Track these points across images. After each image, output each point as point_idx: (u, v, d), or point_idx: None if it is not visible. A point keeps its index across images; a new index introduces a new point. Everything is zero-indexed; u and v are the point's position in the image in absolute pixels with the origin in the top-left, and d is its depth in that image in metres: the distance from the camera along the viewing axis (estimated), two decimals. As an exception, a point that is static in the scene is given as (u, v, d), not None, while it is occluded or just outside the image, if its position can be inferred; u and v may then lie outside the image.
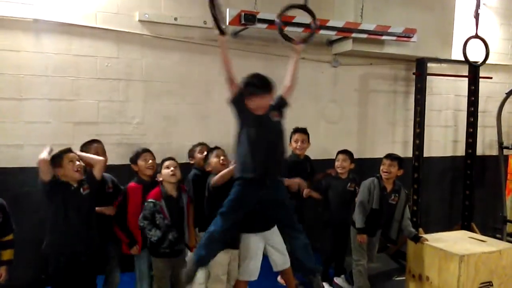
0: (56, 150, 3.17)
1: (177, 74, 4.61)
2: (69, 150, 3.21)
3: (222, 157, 3.52)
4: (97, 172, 3.30)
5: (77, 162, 3.17)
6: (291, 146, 4.38)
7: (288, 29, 3.97)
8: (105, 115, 4.34)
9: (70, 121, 4.21)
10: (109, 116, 4.36)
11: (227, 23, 4.28)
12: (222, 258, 3.41)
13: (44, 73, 4.10)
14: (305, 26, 4.57)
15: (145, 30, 4.44)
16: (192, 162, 4.01)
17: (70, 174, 3.13)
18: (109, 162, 3.77)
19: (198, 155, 3.93)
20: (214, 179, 3.32)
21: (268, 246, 3.54)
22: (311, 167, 4.57)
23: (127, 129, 4.42)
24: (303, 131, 4.44)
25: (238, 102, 2.96)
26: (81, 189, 3.18)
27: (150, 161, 3.62)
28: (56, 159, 3.12)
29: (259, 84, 2.92)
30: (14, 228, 3.23)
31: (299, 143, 4.37)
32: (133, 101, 4.46)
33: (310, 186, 4.42)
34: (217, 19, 2.94)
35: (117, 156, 4.16)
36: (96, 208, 3.41)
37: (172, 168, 3.44)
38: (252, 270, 3.47)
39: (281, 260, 3.56)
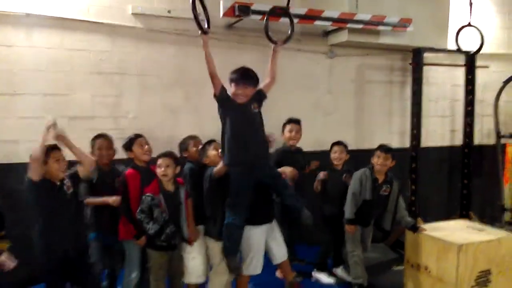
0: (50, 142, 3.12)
1: (172, 67, 4.59)
2: (55, 147, 3.15)
3: (219, 150, 3.53)
4: (82, 170, 3.28)
5: (63, 162, 3.15)
6: (283, 136, 4.46)
7: (282, 21, 3.95)
8: (100, 109, 4.32)
9: (65, 116, 4.16)
10: (104, 110, 4.34)
11: (221, 15, 4.25)
12: (220, 249, 3.44)
13: (37, 68, 4.07)
14: (299, 17, 4.55)
15: (139, 23, 4.40)
16: (185, 155, 3.89)
17: (55, 174, 3.10)
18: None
19: (193, 149, 3.87)
20: (217, 169, 3.42)
21: (268, 240, 3.59)
22: (303, 159, 4.55)
23: (122, 123, 4.40)
24: (296, 121, 4.46)
25: (222, 95, 3.20)
26: (65, 187, 3.16)
27: (146, 146, 3.59)
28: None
29: (240, 73, 3.21)
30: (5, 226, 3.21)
31: (293, 133, 4.40)
32: (128, 95, 4.43)
33: (303, 178, 4.42)
34: (197, 19, 3.01)
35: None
36: (101, 199, 3.45)
37: (163, 168, 3.39)
38: (256, 265, 3.53)
39: (280, 252, 3.66)
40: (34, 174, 2.97)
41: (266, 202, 3.58)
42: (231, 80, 3.22)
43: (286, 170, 4.05)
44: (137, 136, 3.61)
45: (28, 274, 3.83)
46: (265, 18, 3.47)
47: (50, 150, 3.12)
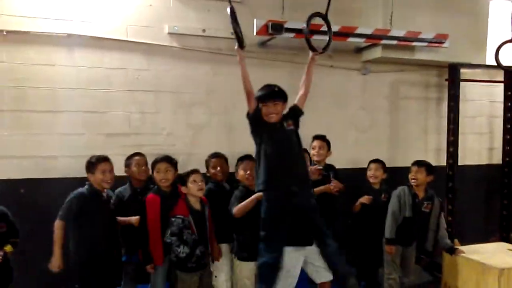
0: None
1: (205, 85, 4.65)
2: (104, 159, 3.37)
3: (248, 171, 3.52)
4: None
5: (110, 174, 3.33)
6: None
7: (315, 37, 3.94)
8: (136, 126, 4.42)
9: (102, 133, 4.30)
10: (140, 127, 4.43)
11: (255, 33, 4.30)
12: (248, 270, 3.44)
13: (77, 86, 4.21)
14: (334, 34, 4.53)
15: (174, 42, 4.51)
16: (208, 174, 3.86)
17: (100, 184, 3.31)
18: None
19: (212, 170, 3.81)
20: (237, 209, 3.32)
21: (308, 263, 3.37)
22: (335, 176, 4.47)
23: (157, 140, 4.48)
24: (320, 137, 4.31)
25: (256, 114, 3.03)
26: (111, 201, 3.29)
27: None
28: (91, 165, 3.32)
29: (269, 90, 3.01)
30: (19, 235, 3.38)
31: (316, 150, 4.25)
32: (163, 112, 4.52)
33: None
34: (237, 32, 2.98)
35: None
36: (122, 218, 3.50)
37: (200, 183, 3.41)
38: (284, 285, 3.29)
39: (324, 272, 3.39)
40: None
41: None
42: (259, 99, 3.02)
43: (363, 200, 4.10)
44: (156, 161, 3.57)
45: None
46: (303, 26, 3.28)
47: (98, 162, 3.30)
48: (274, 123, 3.03)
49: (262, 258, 2.91)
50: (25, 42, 4.03)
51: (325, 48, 3.31)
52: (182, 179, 3.47)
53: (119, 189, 3.70)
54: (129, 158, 3.77)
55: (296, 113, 3.15)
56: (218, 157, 3.84)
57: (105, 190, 3.42)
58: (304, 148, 3.83)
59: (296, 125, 3.14)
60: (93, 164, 3.35)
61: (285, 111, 3.14)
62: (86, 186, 3.36)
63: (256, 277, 3.13)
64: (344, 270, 3.17)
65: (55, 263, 3.20)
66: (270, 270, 2.92)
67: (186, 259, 3.32)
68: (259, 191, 3.04)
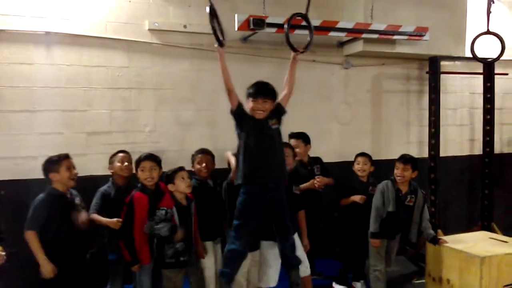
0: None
1: (187, 81, 4.62)
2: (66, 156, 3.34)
3: (203, 164, 3.71)
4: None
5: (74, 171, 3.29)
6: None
7: (297, 32, 3.94)
8: (117, 124, 4.37)
9: (83, 131, 4.24)
10: (121, 125, 4.38)
11: (236, 29, 4.27)
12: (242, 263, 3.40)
13: (56, 85, 4.14)
14: (314, 28, 4.53)
15: (155, 39, 4.46)
16: (193, 169, 3.83)
17: (66, 182, 3.27)
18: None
19: (197, 166, 3.78)
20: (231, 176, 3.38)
21: None
22: (322, 169, 4.48)
23: (140, 137, 4.43)
24: (294, 136, 4.32)
25: (239, 112, 3.08)
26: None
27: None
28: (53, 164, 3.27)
29: (258, 87, 3.08)
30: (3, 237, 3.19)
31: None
32: (145, 109, 4.47)
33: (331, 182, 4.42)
34: (216, 31, 2.97)
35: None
36: (102, 219, 3.44)
37: (188, 180, 3.41)
38: (272, 277, 3.51)
39: (303, 266, 3.52)
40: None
41: (292, 217, 3.44)
42: (249, 95, 3.09)
43: (356, 199, 4.13)
44: (140, 159, 3.51)
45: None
46: (284, 27, 3.29)
47: (62, 159, 3.24)
48: (259, 120, 3.09)
49: (231, 245, 3.12)
50: (1, 40, 3.95)
51: (306, 48, 3.34)
52: (167, 177, 3.44)
53: (104, 187, 3.65)
54: (113, 155, 3.73)
55: (280, 112, 3.21)
56: (204, 153, 3.81)
57: (69, 190, 3.36)
58: (287, 143, 3.84)
59: (279, 123, 3.21)
60: (56, 162, 3.29)
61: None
62: (48, 190, 3.28)
63: (223, 261, 3.30)
64: (294, 261, 3.31)
65: (47, 269, 3.14)
66: (237, 256, 3.14)
67: (164, 255, 3.29)
68: (238, 184, 3.13)
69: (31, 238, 3.16)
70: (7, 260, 3.05)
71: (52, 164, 3.29)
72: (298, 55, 3.28)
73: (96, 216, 3.49)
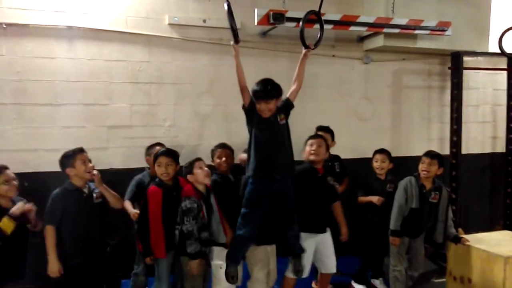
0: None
1: (206, 76, 4.63)
2: (81, 150, 3.32)
3: (223, 158, 3.72)
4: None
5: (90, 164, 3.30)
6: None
7: (316, 27, 3.90)
8: (137, 118, 4.41)
9: (104, 125, 4.29)
10: (141, 119, 4.42)
11: (256, 23, 4.26)
12: (261, 255, 3.46)
13: (78, 79, 4.19)
14: (334, 23, 4.51)
15: (175, 33, 4.48)
16: (213, 164, 3.82)
17: (82, 175, 3.27)
18: (142, 165, 3.81)
19: (217, 160, 3.76)
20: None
21: (319, 249, 3.64)
22: (341, 167, 4.44)
23: (159, 131, 4.46)
24: (325, 129, 4.27)
25: (250, 108, 3.16)
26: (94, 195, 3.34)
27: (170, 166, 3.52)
28: (68, 159, 3.25)
29: (261, 89, 3.10)
30: None
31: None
32: (164, 103, 4.50)
33: (344, 187, 4.37)
34: (233, 28, 3.02)
35: (149, 159, 4.19)
36: (128, 208, 3.54)
37: (206, 169, 3.43)
38: (306, 268, 3.56)
39: (330, 263, 3.71)
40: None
41: (322, 211, 3.59)
42: (253, 95, 3.13)
43: (373, 200, 4.11)
44: (157, 155, 3.49)
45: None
46: (300, 23, 3.36)
47: (77, 153, 3.26)
48: (267, 118, 3.17)
49: (238, 231, 3.26)
50: (24, 35, 4.01)
51: (316, 44, 3.40)
52: (186, 168, 3.45)
53: (139, 175, 3.74)
54: (150, 147, 3.83)
55: (288, 107, 3.29)
56: (224, 148, 3.81)
57: (86, 185, 3.36)
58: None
59: (287, 117, 3.28)
60: (71, 156, 3.28)
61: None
62: (64, 185, 3.30)
63: (230, 244, 3.39)
64: (298, 250, 3.45)
65: (53, 268, 3.18)
66: (244, 242, 3.29)
67: (187, 243, 3.31)
68: (248, 176, 3.25)
69: (48, 233, 3.18)
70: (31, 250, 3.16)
71: (67, 159, 3.30)
72: (309, 52, 3.34)
73: (126, 204, 3.58)
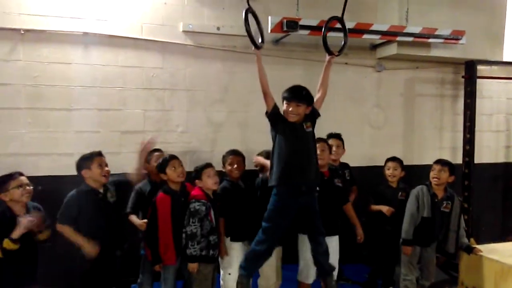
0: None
1: (219, 83, 4.66)
2: (99, 154, 3.38)
3: (235, 165, 3.71)
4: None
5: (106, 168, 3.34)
6: None
7: (330, 34, 3.91)
8: (151, 123, 4.44)
9: (118, 130, 4.32)
10: (154, 124, 4.45)
11: (269, 31, 4.28)
12: (271, 259, 3.45)
13: (93, 84, 4.24)
14: (348, 30, 4.50)
15: (189, 40, 4.51)
16: (224, 170, 3.84)
17: (97, 178, 3.30)
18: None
19: (228, 167, 3.75)
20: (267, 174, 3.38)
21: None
22: (350, 175, 4.43)
23: (172, 137, 4.49)
24: (337, 136, 4.27)
25: (274, 114, 3.08)
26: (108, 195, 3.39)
27: (180, 168, 3.50)
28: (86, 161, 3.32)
29: (292, 91, 3.07)
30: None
31: (333, 148, 4.12)
32: (178, 110, 4.53)
33: (355, 195, 4.35)
34: (251, 35, 2.98)
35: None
36: (134, 220, 3.53)
37: (215, 177, 3.46)
38: (307, 274, 3.57)
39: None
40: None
41: (330, 214, 3.50)
42: (284, 98, 3.10)
43: (383, 209, 4.06)
44: (172, 157, 3.53)
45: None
46: (323, 28, 3.31)
47: (95, 156, 3.31)
48: (294, 123, 3.09)
49: (255, 246, 3.14)
50: (41, 40, 4.06)
51: (340, 51, 3.37)
52: (196, 171, 3.49)
53: (139, 184, 3.71)
54: (149, 154, 3.78)
55: (314, 115, 3.21)
56: (235, 155, 3.81)
57: (103, 186, 3.39)
58: (323, 138, 3.82)
59: (313, 126, 3.21)
60: (88, 158, 3.33)
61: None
62: (80, 187, 3.34)
63: (244, 257, 3.31)
64: (328, 268, 3.33)
65: (89, 248, 3.18)
66: (259, 258, 3.19)
67: (203, 248, 3.35)
68: (271, 186, 3.12)
69: (65, 230, 3.21)
70: (43, 253, 3.18)
71: (85, 161, 3.35)
72: (334, 59, 3.29)
73: (131, 217, 3.56)
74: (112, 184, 3.49)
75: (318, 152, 3.47)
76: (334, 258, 3.56)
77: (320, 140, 3.65)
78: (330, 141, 4.14)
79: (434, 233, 3.89)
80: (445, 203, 3.85)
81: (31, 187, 3.23)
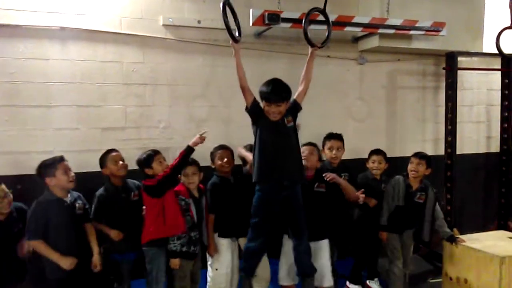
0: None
1: (201, 77, 4.60)
2: (61, 159, 3.24)
3: (225, 159, 3.69)
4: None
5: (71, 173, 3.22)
6: (324, 153, 4.05)
7: (312, 27, 3.90)
8: (132, 120, 4.36)
9: (98, 127, 4.23)
10: (136, 121, 4.37)
11: (251, 24, 4.24)
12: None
13: (71, 80, 4.14)
14: (332, 24, 4.49)
15: (169, 34, 4.44)
16: (213, 166, 3.81)
17: (64, 185, 3.18)
18: (136, 167, 3.76)
19: (218, 162, 3.72)
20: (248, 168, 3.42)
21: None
22: (350, 178, 4.27)
23: (154, 133, 4.43)
24: (338, 137, 4.12)
25: (255, 109, 3.05)
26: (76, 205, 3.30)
27: (165, 163, 3.51)
28: (48, 168, 3.13)
29: (272, 92, 3.00)
30: None
31: (334, 151, 4.01)
32: (159, 105, 4.46)
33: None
34: (229, 28, 2.94)
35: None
36: (104, 228, 3.46)
37: (190, 176, 3.47)
38: (290, 275, 3.51)
39: (320, 276, 3.52)
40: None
41: (316, 218, 3.41)
42: (262, 96, 3.04)
43: (368, 202, 3.96)
44: (156, 152, 3.51)
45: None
46: (303, 21, 3.26)
47: (58, 162, 3.16)
48: (275, 121, 3.06)
49: (249, 243, 3.18)
50: (17, 36, 3.95)
51: (324, 43, 3.33)
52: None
53: (100, 191, 3.59)
54: (103, 156, 3.63)
55: (296, 108, 3.18)
56: (224, 149, 3.77)
57: (68, 195, 3.26)
58: (312, 142, 3.76)
59: (295, 120, 3.18)
60: (52, 165, 3.17)
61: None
62: (44, 196, 3.19)
63: (243, 257, 3.34)
64: (308, 269, 3.28)
65: (65, 262, 3.08)
66: (255, 254, 3.22)
67: (184, 244, 3.36)
68: (254, 182, 3.11)
69: (37, 245, 3.08)
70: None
71: (48, 168, 3.17)
72: (316, 51, 3.26)
73: (99, 226, 3.48)
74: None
75: (305, 154, 3.44)
76: (323, 263, 3.50)
77: (310, 144, 3.63)
78: (331, 142, 4.04)
79: (407, 221, 4.02)
80: (419, 194, 3.99)
81: (10, 198, 3.18)
